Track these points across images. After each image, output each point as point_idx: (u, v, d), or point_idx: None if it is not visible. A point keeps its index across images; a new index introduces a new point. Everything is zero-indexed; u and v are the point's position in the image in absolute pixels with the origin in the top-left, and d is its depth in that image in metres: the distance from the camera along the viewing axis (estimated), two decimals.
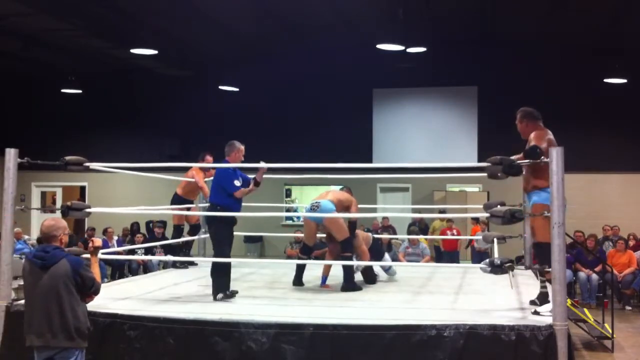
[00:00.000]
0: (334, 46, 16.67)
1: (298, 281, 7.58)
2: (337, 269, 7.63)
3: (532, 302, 5.94)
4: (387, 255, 8.37)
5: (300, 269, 7.58)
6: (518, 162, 5.63)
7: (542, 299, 5.83)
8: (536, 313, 5.60)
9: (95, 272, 4.67)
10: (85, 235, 14.47)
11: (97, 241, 4.93)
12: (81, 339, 4.49)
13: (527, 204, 6.24)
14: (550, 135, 5.93)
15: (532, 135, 5.94)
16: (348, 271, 7.25)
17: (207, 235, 9.69)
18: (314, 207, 7.35)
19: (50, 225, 4.57)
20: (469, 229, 15.17)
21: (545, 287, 5.87)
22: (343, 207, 7.54)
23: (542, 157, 5.45)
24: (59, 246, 4.54)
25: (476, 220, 14.33)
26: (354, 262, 7.42)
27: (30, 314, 4.51)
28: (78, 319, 4.46)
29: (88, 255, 4.95)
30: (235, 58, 17.41)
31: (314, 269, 8.03)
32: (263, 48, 16.70)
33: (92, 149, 14.57)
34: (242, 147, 6.91)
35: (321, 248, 10.18)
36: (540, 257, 5.95)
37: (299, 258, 7.75)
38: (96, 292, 4.61)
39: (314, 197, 7.70)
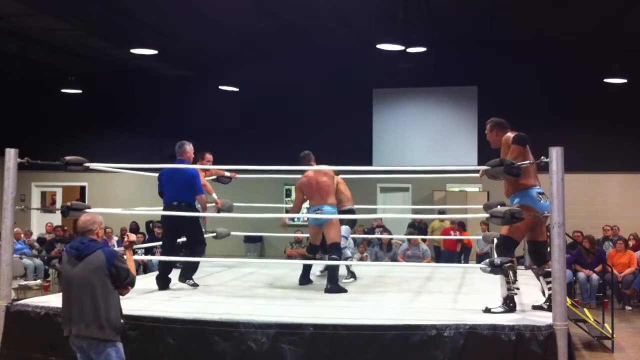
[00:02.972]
0: (334, 46, 16.67)
1: (305, 279, 7.61)
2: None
3: (536, 307, 5.92)
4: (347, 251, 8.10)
5: (307, 268, 7.65)
6: (519, 163, 5.62)
7: (506, 299, 5.73)
8: (487, 310, 5.62)
9: (131, 265, 4.76)
10: None
11: (132, 236, 5.06)
12: (112, 331, 4.53)
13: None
14: None
15: (504, 138, 5.94)
16: (333, 273, 7.18)
17: (208, 235, 9.73)
18: (318, 214, 7.39)
19: (86, 220, 4.74)
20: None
21: (510, 288, 5.71)
22: (334, 191, 7.62)
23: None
24: (95, 239, 4.67)
25: (462, 225, 14.31)
26: (357, 262, 7.40)
27: (67, 305, 4.60)
28: (109, 310, 4.53)
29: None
30: (235, 58, 17.41)
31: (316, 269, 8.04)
32: (263, 48, 16.70)
33: (92, 149, 14.58)
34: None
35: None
36: (499, 249, 5.92)
37: (306, 257, 7.81)
38: (132, 283, 4.71)
39: (315, 202, 7.52)
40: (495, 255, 5.92)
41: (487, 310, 5.63)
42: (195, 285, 7.38)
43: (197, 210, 7.47)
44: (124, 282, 4.64)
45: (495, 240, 6.07)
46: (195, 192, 7.38)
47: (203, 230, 9.15)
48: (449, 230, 13.99)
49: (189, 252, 7.63)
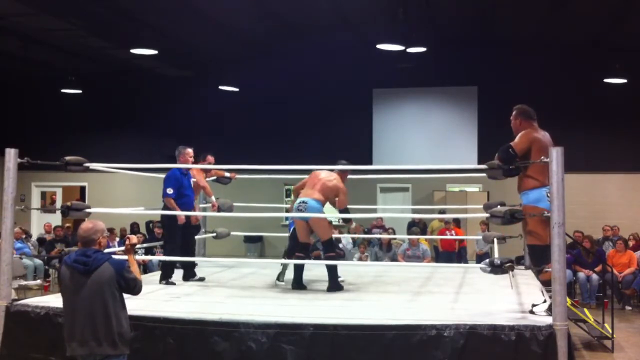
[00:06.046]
0: (334, 46, 16.67)
1: (298, 285, 7.27)
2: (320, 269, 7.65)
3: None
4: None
5: (299, 271, 7.31)
6: (518, 163, 5.60)
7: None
8: (532, 312, 5.59)
9: (135, 270, 4.53)
10: None
11: (133, 238, 4.79)
12: (124, 346, 4.37)
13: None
14: (539, 135, 5.77)
15: (518, 136, 5.82)
16: (332, 272, 7.12)
17: (208, 235, 9.75)
18: (301, 208, 7.21)
19: (88, 228, 4.43)
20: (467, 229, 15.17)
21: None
22: (330, 198, 7.38)
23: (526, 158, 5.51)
24: (99, 249, 4.42)
25: (457, 222, 14.23)
26: (357, 262, 7.39)
27: (71, 322, 4.34)
28: (122, 325, 4.34)
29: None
30: (235, 58, 17.41)
31: (312, 269, 8.02)
32: (263, 48, 16.71)
33: (92, 149, 14.58)
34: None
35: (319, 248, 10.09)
36: (533, 259, 5.91)
37: (297, 258, 7.52)
38: (139, 292, 4.50)
39: (302, 193, 7.42)
40: (495, 256, 5.91)
41: (532, 312, 5.57)
42: (169, 284, 7.54)
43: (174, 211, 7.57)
44: (132, 292, 4.44)
45: (527, 249, 5.98)
46: (163, 194, 7.64)
47: (202, 230, 9.20)
48: (444, 230, 13.95)
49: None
